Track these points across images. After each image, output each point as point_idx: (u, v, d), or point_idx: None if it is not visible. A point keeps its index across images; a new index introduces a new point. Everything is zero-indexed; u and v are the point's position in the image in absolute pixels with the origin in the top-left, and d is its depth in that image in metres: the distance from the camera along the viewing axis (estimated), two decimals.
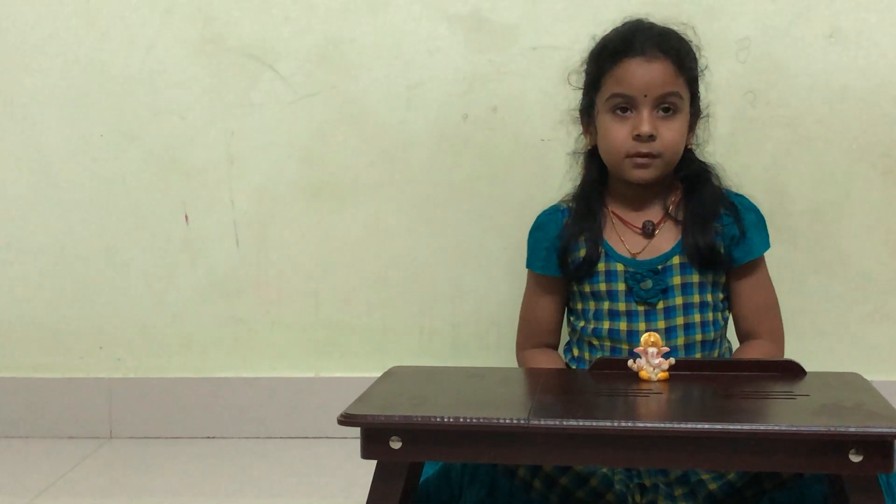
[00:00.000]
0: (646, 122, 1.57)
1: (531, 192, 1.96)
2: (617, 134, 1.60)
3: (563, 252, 1.65)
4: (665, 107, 1.59)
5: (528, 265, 1.72)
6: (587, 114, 1.67)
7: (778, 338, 1.66)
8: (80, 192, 2.05)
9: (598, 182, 1.68)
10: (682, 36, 1.64)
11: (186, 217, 2.05)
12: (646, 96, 1.57)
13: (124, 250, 2.06)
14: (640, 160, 1.59)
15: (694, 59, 1.64)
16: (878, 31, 1.94)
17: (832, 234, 1.97)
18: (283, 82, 2.02)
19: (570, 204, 1.69)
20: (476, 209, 2.02)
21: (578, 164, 1.72)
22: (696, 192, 1.64)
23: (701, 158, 1.68)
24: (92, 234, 2.06)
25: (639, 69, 1.58)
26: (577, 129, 1.72)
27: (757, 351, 1.63)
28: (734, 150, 1.92)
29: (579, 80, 1.69)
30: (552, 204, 1.73)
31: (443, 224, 2.03)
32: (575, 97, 1.71)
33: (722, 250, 1.61)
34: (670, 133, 1.59)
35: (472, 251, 2.02)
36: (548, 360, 1.69)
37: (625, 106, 1.59)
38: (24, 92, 2.04)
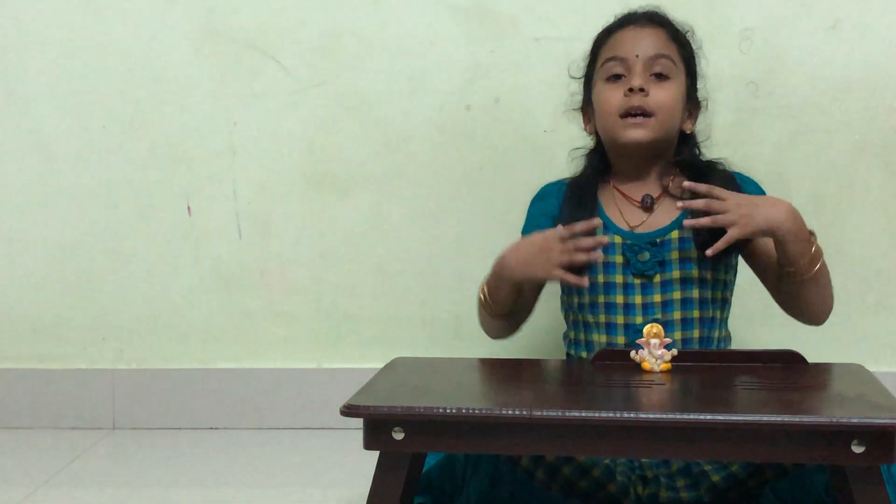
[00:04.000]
0: (637, 76, 1.59)
1: (533, 182, 1.94)
2: (610, 96, 1.61)
3: (562, 223, 1.64)
4: (658, 72, 1.60)
5: (524, 233, 1.71)
6: (588, 106, 1.68)
7: None
8: (83, 183, 2.05)
9: (599, 164, 1.68)
10: (680, 25, 1.66)
11: (189, 208, 2.05)
12: (637, 56, 1.59)
13: (127, 242, 2.06)
14: (632, 119, 1.59)
15: (690, 44, 1.66)
16: (879, 22, 1.93)
17: (834, 225, 1.97)
18: (286, 73, 2.01)
19: (571, 182, 1.70)
20: (478, 200, 2.02)
21: (579, 159, 1.72)
22: (704, 177, 1.63)
23: (705, 156, 1.68)
24: (94, 225, 2.06)
25: (631, 34, 1.62)
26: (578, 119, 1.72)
27: None
28: (736, 141, 1.92)
29: (580, 71, 1.70)
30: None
31: (445, 215, 2.03)
32: (577, 87, 1.71)
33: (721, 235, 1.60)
34: (663, 93, 1.59)
35: (475, 242, 2.02)
36: None
37: (619, 73, 1.61)
38: (26, 84, 2.04)
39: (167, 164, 2.04)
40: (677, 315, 1.59)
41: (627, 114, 1.59)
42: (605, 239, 1.53)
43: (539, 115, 1.99)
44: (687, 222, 1.51)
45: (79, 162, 2.05)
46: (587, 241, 1.50)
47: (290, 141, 2.03)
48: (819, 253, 1.53)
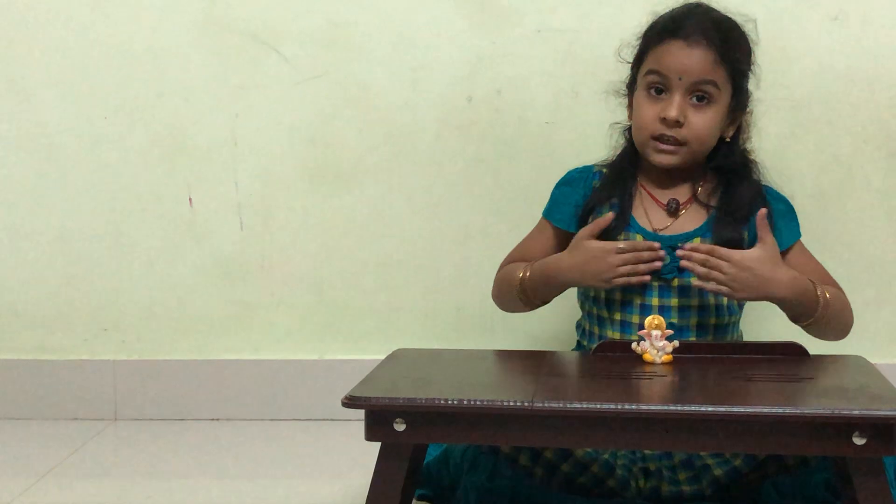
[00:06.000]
0: (675, 106, 1.56)
1: (535, 174, 1.96)
2: (646, 113, 1.59)
3: (586, 214, 1.65)
4: (699, 95, 1.57)
5: (546, 214, 1.71)
6: (632, 89, 1.66)
7: (839, 287, 1.65)
8: (84, 174, 2.05)
9: (633, 155, 1.67)
10: (738, 28, 1.62)
11: (190, 199, 2.05)
12: (680, 79, 1.56)
13: (129, 233, 2.06)
14: (663, 146, 1.58)
15: (745, 53, 1.62)
16: (883, 14, 1.93)
17: (836, 217, 1.97)
18: (288, 64, 2.01)
19: (603, 170, 1.69)
20: (480, 191, 2.01)
21: (617, 136, 1.71)
22: (733, 186, 1.62)
23: (750, 151, 1.67)
24: (96, 216, 2.06)
25: (678, 51, 1.57)
26: (616, 103, 1.71)
27: (827, 288, 1.59)
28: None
29: (629, 54, 1.67)
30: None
31: (447, 206, 2.02)
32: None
33: (745, 245, 1.60)
34: (700, 122, 1.57)
35: (476, 233, 2.02)
36: (518, 264, 1.69)
37: (660, 87, 1.58)
38: (28, 74, 2.04)
39: (169, 155, 2.04)
40: (694, 321, 1.59)
41: (659, 138, 1.58)
42: (661, 256, 1.54)
43: (541, 106, 1.98)
44: (694, 283, 1.54)
45: (80, 153, 2.05)
46: (646, 257, 1.54)
47: (292, 132, 2.03)
48: (825, 305, 1.56)
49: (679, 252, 1.54)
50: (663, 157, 1.59)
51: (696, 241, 1.59)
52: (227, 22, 2.01)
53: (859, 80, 1.94)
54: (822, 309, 1.55)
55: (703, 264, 1.51)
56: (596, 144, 1.73)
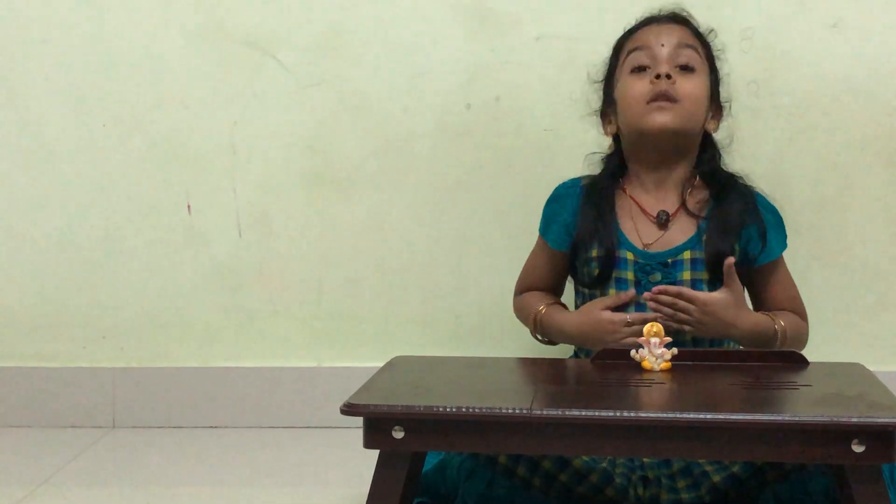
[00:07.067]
0: (664, 63, 1.60)
1: (533, 181, 1.96)
2: (636, 86, 1.61)
3: (576, 242, 1.66)
4: (683, 63, 1.61)
5: (542, 233, 1.72)
6: (607, 106, 1.68)
7: (804, 315, 1.68)
8: (83, 181, 2.05)
9: (619, 172, 1.68)
10: (702, 25, 1.69)
11: (189, 207, 2.05)
12: (663, 45, 1.61)
13: (127, 240, 2.06)
14: (660, 102, 1.59)
15: (711, 43, 1.68)
16: (881, 21, 1.93)
17: (835, 224, 1.97)
18: (286, 72, 2.01)
19: (588, 185, 1.69)
20: (478, 199, 2.02)
21: (597, 164, 1.73)
22: (724, 197, 1.63)
23: (727, 164, 1.70)
24: (95, 223, 2.06)
25: (655, 28, 1.64)
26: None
27: (786, 318, 1.62)
28: (737, 140, 1.91)
29: (601, 75, 1.71)
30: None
31: (445, 214, 2.02)
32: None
33: (736, 256, 1.60)
34: (689, 84, 1.60)
35: (475, 241, 2.02)
36: (537, 296, 1.72)
37: (644, 64, 1.61)
38: (26, 82, 2.04)
39: (167, 162, 2.04)
40: (689, 336, 1.59)
41: (654, 99, 1.59)
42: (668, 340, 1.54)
43: (539, 113, 1.98)
44: (660, 319, 1.53)
45: (79, 160, 2.05)
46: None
47: (291, 139, 2.03)
48: (782, 341, 1.59)
49: (646, 295, 1.56)
50: (662, 116, 1.59)
51: (687, 255, 1.60)
52: (226, 30, 2.01)
53: (858, 88, 1.94)
54: (778, 345, 1.59)
55: (671, 306, 1.54)
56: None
